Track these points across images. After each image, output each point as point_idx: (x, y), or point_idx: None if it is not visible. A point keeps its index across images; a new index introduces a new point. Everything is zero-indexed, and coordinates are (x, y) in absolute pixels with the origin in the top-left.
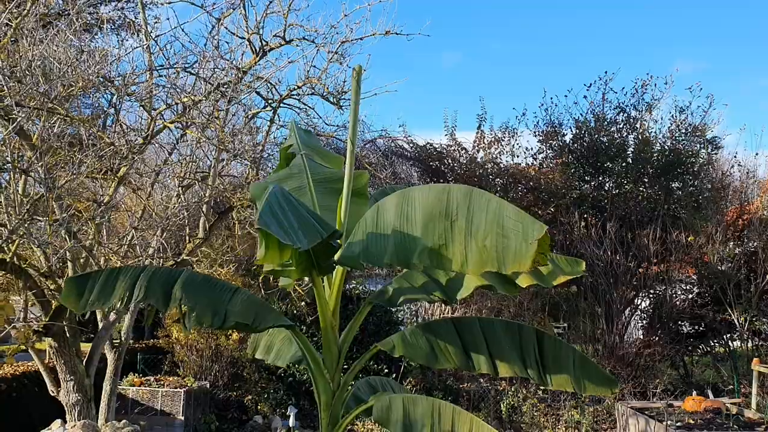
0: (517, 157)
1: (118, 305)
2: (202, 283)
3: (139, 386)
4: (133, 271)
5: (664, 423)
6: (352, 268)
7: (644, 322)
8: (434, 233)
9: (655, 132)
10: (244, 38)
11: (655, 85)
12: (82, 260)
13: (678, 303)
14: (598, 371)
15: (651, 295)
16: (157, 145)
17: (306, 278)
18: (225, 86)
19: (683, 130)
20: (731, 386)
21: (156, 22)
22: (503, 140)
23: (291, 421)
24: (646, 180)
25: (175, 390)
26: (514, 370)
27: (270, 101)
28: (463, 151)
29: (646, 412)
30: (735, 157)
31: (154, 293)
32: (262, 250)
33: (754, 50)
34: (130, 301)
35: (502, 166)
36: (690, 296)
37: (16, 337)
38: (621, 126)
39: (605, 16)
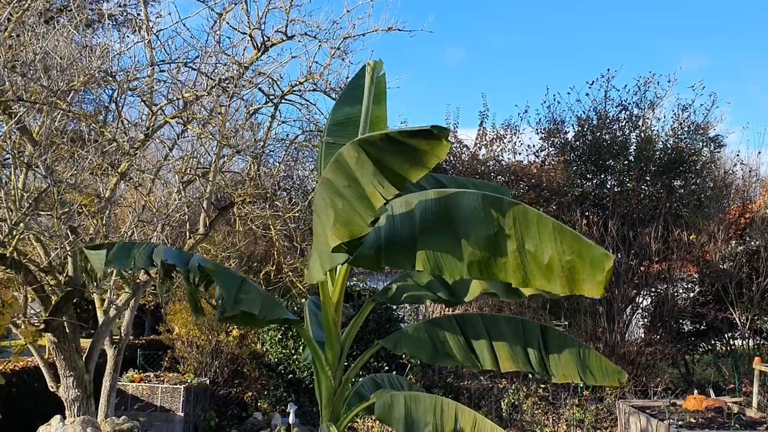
0: (519, 154)
1: (139, 266)
2: (214, 265)
3: (139, 382)
4: (147, 245)
5: (666, 421)
6: (368, 268)
7: (645, 320)
8: (476, 242)
9: (658, 130)
10: (245, 33)
11: (658, 83)
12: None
13: (679, 301)
14: (604, 363)
15: (652, 294)
16: (158, 140)
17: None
18: (226, 82)
19: (686, 128)
20: (732, 385)
21: (158, 17)
22: (505, 137)
23: (291, 419)
24: (648, 178)
25: (175, 386)
26: (518, 365)
27: (272, 97)
28: (465, 148)
29: (648, 411)
30: (738, 155)
31: (173, 258)
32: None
33: (760, 47)
34: (150, 264)
35: (503, 163)
36: (691, 295)
37: (20, 333)
38: (623, 124)
39: (609, 11)
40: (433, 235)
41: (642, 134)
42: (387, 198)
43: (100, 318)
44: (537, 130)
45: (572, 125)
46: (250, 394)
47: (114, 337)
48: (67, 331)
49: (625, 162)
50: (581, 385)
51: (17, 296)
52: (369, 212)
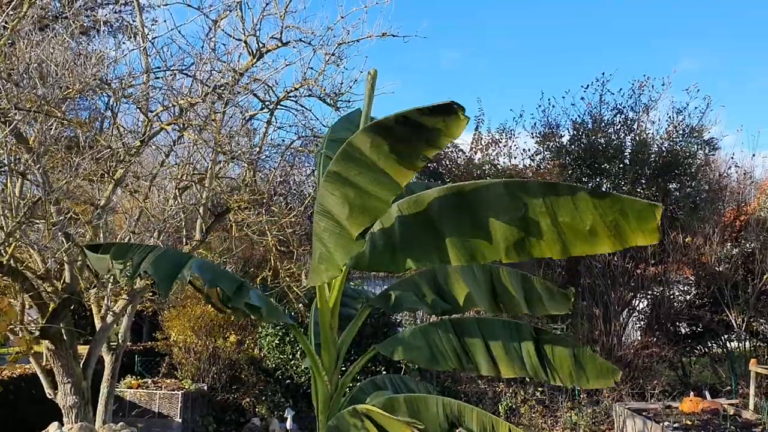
0: (515, 158)
1: (127, 272)
2: (213, 266)
3: (137, 388)
4: (144, 248)
5: (662, 424)
6: (386, 270)
7: (642, 323)
8: (507, 226)
9: (653, 133)
10: (240, 40)
11: (653, 86)
12: (78, 263)
13: (676, 304)
14: (598, 363)
15: (649, 297)
16: (154, 147)
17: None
18: (222, 88)
19: (680, 131)
20: (729, 387)
21: (153, 25)
22: (500, 142)
23: (288, 424)
24: (643, 181)
25: (173, 392)
26: (514, 369)
27: (267, 103)
28: (461, 152)
29: (644, 413)
30: (732, 158)
31: (162, 269)
32: None
33: (759, 48)
34: (137, 270)
35: (499, 167)
36: (687, 297)
37: (16, 342)
38: (618, 127)
39: (607, 11)
40: (459, 227)
41: (637, 138)
42: (406, 177)
43: (98, 324)
44: (532, 134)
45: (567, 129)
46: (247, 399)
47: (111, 344)
48: (65, 337)
49: (621, 165)
50: (578, 387)
51: (13, 303)
52: (388, 192)
